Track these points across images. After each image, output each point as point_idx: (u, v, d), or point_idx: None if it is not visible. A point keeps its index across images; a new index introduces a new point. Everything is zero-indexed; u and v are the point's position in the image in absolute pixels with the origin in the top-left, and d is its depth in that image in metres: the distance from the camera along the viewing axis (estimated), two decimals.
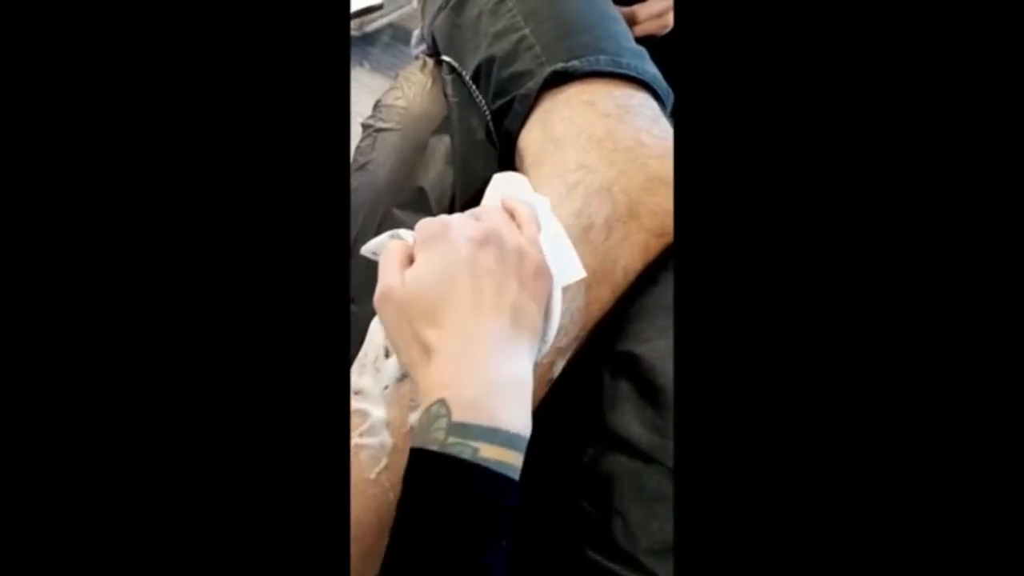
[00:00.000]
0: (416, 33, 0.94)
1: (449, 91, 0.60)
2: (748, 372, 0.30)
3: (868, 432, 0.28)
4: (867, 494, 0.28)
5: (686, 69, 0.32)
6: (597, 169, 0.49)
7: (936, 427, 0.28)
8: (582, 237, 0.47)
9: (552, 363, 0.46)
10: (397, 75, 0.70)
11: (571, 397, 0.49)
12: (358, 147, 0.64)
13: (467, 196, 0.57)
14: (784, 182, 0.30)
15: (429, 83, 0.65)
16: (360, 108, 0.71)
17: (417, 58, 0.72)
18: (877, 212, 0.29)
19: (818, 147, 0.30)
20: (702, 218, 0.31)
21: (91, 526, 0.29)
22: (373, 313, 0.54)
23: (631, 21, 0.70)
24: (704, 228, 0.31)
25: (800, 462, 0.29)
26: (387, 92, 0.67)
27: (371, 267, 0.58)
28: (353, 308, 0.56)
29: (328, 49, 0.33)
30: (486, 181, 0.56)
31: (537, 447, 0.48)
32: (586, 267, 0.47)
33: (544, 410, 0.48)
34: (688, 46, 0.32)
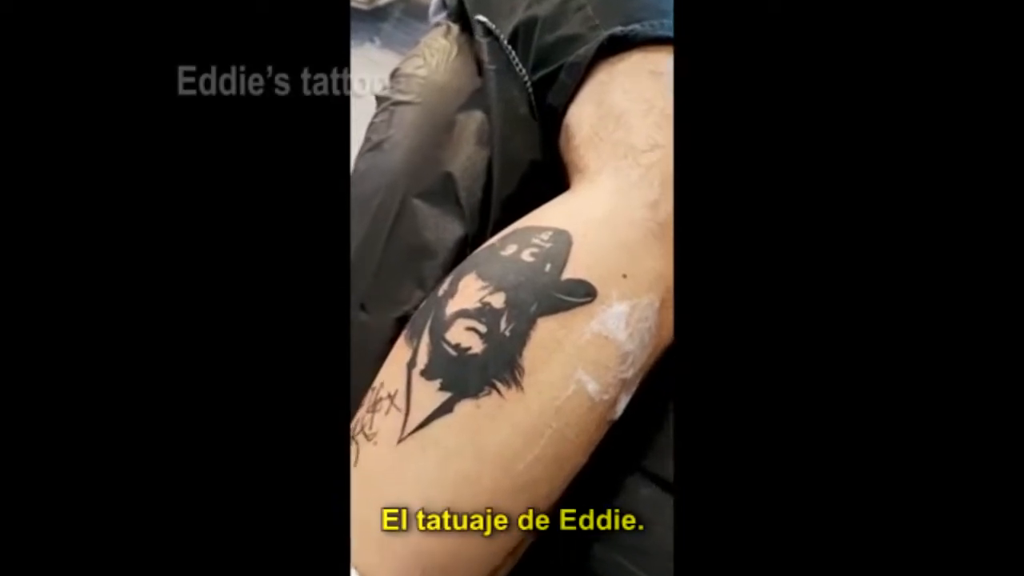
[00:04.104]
0: (434, 1, 0.86)
1: (485, 56, 0.50)
2: (750, 383, 0.29)
3: (873, 443, 0.28)
4: (871, 507, 0.27)
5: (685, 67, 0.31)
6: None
7: (937, 431, 0.27)
8: (659, 235, 0.38)
9: (615, 400, 0.37)
10: (418, 42, 0.61)
11: (625, 438, 0.40)
12: (372, 124, 0.54)
13: (507, 185, 0.47)
14: (787, 182, 0.29)
15: (455, 51, 0.56)
16: (371, 87, 0.63)
17: (439, 24, 0.63)
18: (880, 218, 0.28)
19: (822, 144, 0.29)
20: (704, 218, 0.30)
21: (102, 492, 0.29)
22: (386, 322, 0.46)
23: None
24: (706, 228, 0.30)
25: (804, 478, 0.28)
26: (406, 60, 0.57)
27: (382, 271, 0.49)
28: (363, 316, 0.47)
29: (327, 24, 0.32)
30: (529, 166, 0.46)
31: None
32: (662, 277, 0.37)
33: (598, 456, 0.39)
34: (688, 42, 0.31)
